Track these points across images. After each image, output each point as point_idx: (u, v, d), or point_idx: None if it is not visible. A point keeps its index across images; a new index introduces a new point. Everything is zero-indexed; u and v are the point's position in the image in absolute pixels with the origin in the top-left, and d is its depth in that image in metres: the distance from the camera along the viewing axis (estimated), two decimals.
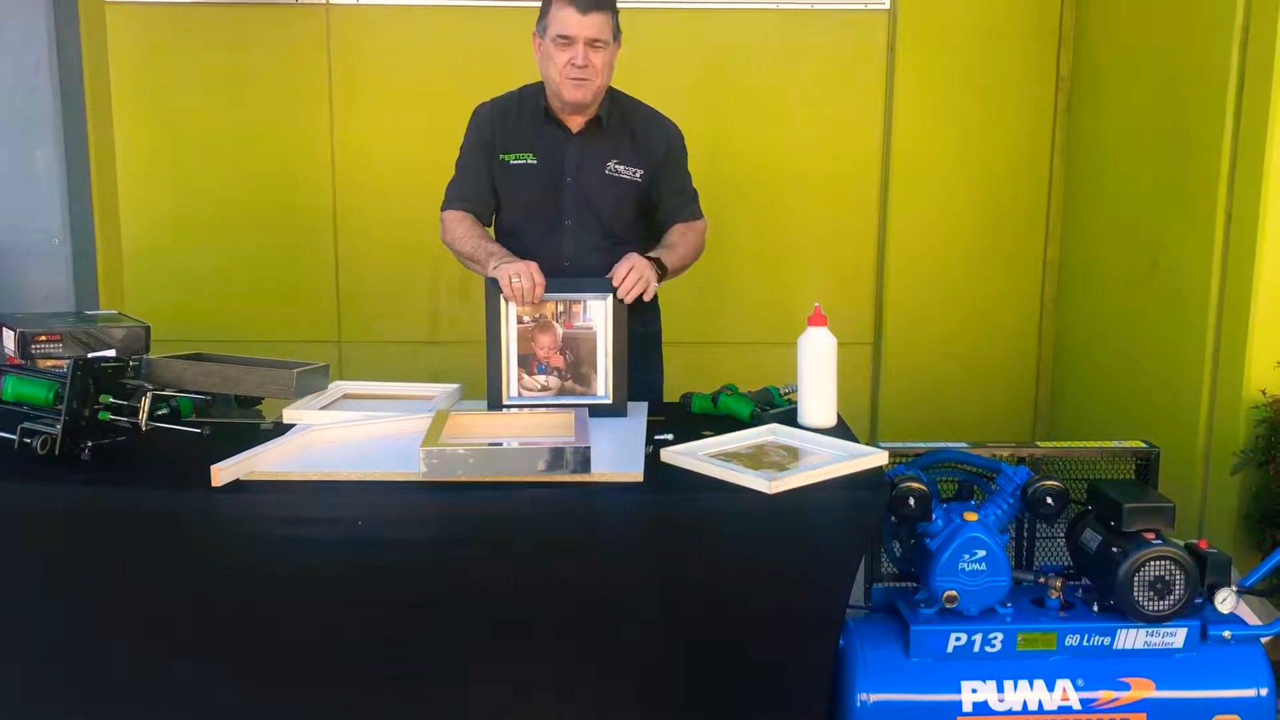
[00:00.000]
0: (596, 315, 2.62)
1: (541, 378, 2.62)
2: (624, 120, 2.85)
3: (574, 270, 2.80)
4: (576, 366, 2.62)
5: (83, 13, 4.18)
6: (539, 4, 2.77)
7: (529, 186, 2.83)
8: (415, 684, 2.16)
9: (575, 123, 2.81)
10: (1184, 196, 3.54)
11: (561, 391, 2.62)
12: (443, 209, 2.90)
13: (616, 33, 2.74)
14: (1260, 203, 3.16)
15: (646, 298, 2.63)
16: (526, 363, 2.61)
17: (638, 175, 2.83)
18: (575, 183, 2.82)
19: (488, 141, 2.85)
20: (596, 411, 2.54)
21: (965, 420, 4.58)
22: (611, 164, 2.82)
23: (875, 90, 4.55)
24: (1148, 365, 3.81)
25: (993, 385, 4.71)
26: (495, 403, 2.60)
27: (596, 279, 2.63)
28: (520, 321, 2.60)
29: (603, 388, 2.62)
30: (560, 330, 2.62)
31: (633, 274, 2.59)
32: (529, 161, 2.82)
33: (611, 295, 2.60)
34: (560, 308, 2.61)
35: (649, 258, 2.69)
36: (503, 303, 2.58)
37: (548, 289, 2.59)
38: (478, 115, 2.89)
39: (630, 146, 2.84)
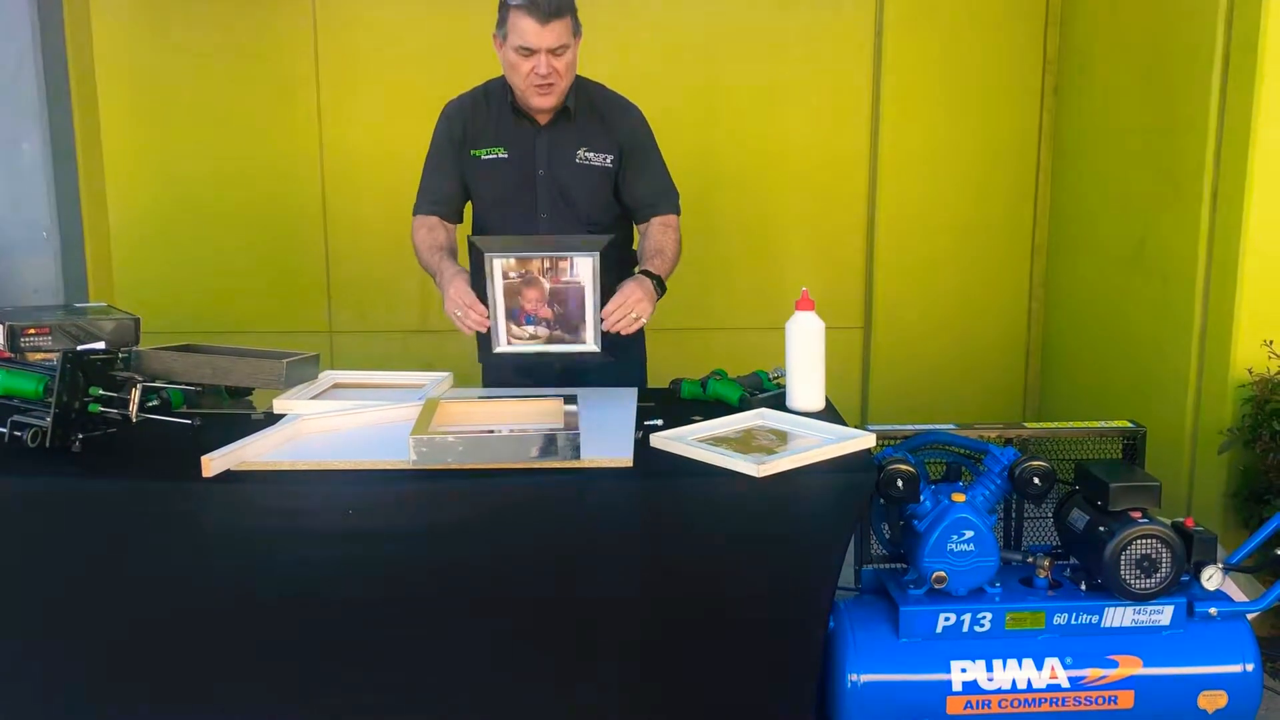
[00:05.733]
0: (583, 270, 2.60)
1: (530, 328, 2.62)
2: (591, 106, 2.82)
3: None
4: (565, 318, 2.61)
5: (67, 4, 4.17)
6: None
7: (501, 180, 2.81)
8: (405, 670, 2.17)
9: (543, 116, 2.78)
10: (1171, 177, 3.55)
11: (550, 340, 2.62)
12: (413, 212, 2.89)
13: (577, 30, 2.68)
14: (1246, 182, 3.17)
15: (633, 329, 2.60)
16: (515, 315, 2.60)
17: (608, 161, 2.81)
18: (547, 174, 2.79)
19: (458, 139, 2.82)
20: (585, 360, 2.57)
21: (956, 402, 4.59)
22: (581, 152, 2.79)
23: (863, 75, 4.55)
24: (1136, 346, 3.83)
25: (982, 367, 4.73)
26: (487, 351, 2.61)
27: (580, 235, 2.63)
28: (506, 277, 2.59)
29: (591, 338, 2.61)
30: (547, 285, 2.61)
31: (621, 309, 2.54)
32: (500, 155, 2.80)
33: (597, 254, 2.57)
34: (546, 264, 2.60)
35: (651, 275, 2.66)
36: (487, 260, 2.57)
37: (533, 245, 2.57)
38: (446, 113, 2.86)
39: (599, 132, 2.81)
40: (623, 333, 2.58)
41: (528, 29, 2.58)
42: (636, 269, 2.76)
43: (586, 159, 2.79)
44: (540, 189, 2.80)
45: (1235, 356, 3.26)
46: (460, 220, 2.92)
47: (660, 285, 2.71)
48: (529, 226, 2.81)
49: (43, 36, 3.83)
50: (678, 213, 2.90)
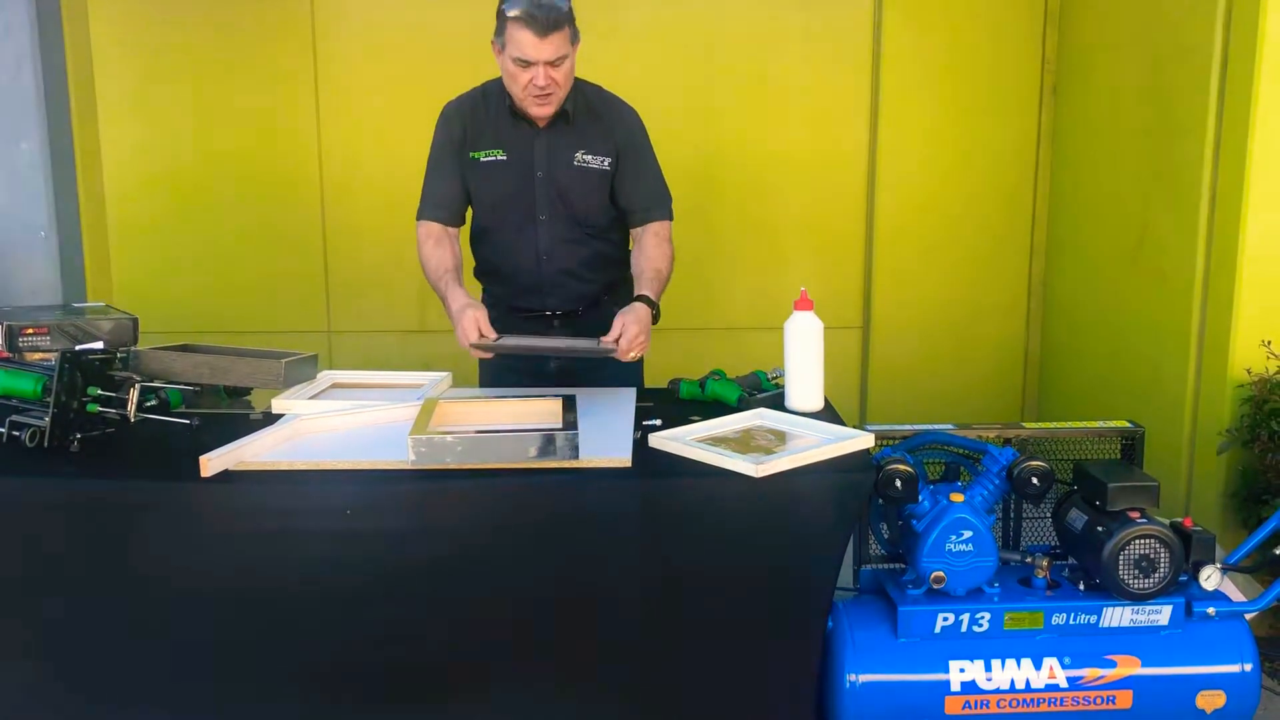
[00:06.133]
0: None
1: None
2: (589, 108, 2.80)
3: (549, 265, 2.82)
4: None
5: (65, 4, 4.16)
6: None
7: (500, 182, 2.80)
8: (405, 672, 2.17)
9: (542, 119, 2.76)
10: (1169, 177, 3.56)
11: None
12: (416, 217, 2.87)
13: (575, 38, 2.64)
14: (1244, 183, 3.17)
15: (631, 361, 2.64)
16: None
17: (605, 164, 2.80)
18: (546, 176, 2.78)
19: (458, 141, 2.80)
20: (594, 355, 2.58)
21: (954, 402, 4.59)
22: (579, 154, 2.78)
23: (862, 73, 4.55)
24: (1134, 346, 3.83)
25: (981, 367, 4.73)
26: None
27: (586, 340, 2.63)
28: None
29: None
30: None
31: (634, 343, 2.56)
32: (499, 157, 2.78)
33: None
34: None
35: (648, 301, 2.68)
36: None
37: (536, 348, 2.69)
38: (445, 116, 2.84)
39: (596, 135, 2.79)
40: (626, 359, 2.60)
41: (525, 41, 2.56)
42: (634, 292, 2.75)
43: (584, 161, 2.79)
44: (539, 191, 2.80)
45: (1233, 356, 3.26)
46: (464, 223, 2.91)
47: (656, 310, 2.72)
48: (527, 229, 2.82)
49: (41, 36, 3.82)
50: (671, 218, 2.90)
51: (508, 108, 2.76)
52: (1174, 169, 3.52)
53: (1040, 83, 4.51)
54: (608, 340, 2.54)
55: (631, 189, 2.84)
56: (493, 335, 2.57)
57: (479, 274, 2.97)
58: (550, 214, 2.81)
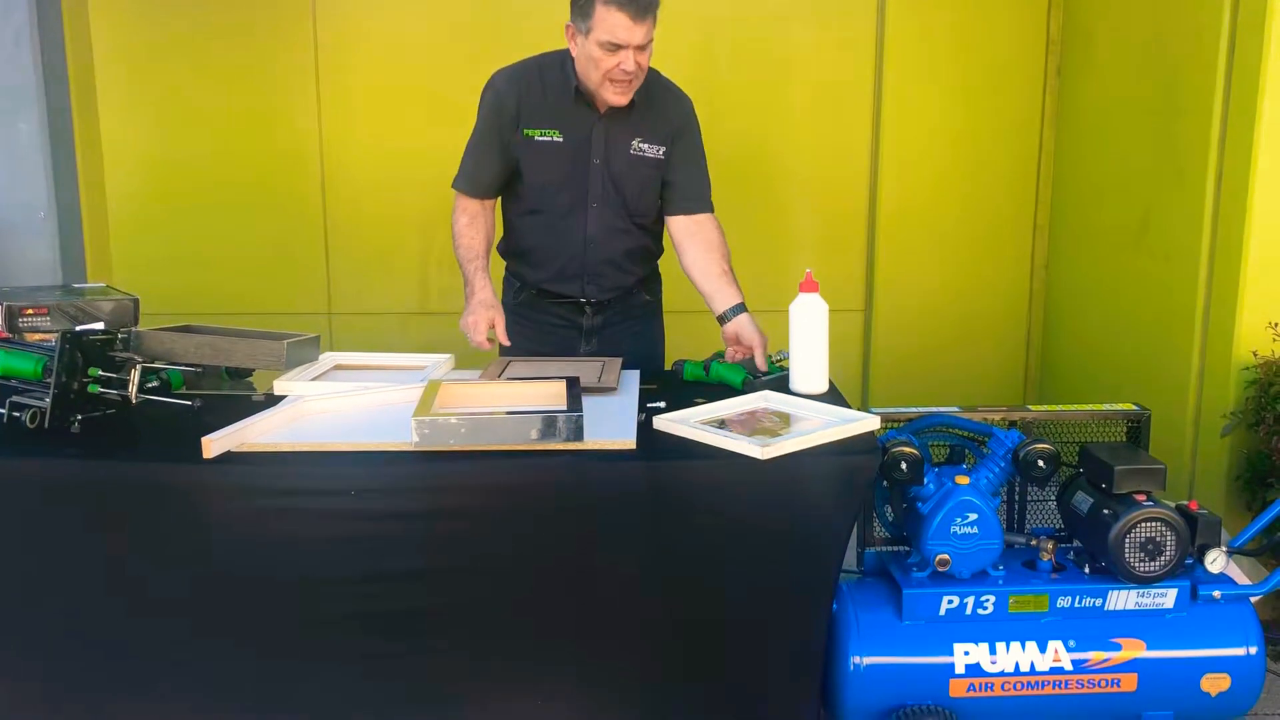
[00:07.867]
0: None
1: None
2: (647, 94, 2.72)
3: (594, 253, 2.79)
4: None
5: None
6: None
7: (555, 165, 2.71)
8: (407, 654, 2.17)
9: (618, 106, 2.68)
10: (1175, 158, 3.54)
11: None
12: (453, 184, 2.80)
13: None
14: (1250, 164, 3.16)
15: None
16: None
17: (660, 152, 2.75)
18: (603, 164, 2.72)
19: (511, 113, 2.69)
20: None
21: (957, 385, 4.58)
22: (636, 142, 2.73)
23: (866, 56, 4.53)
24: (1138, 328, 3.82)
25: (984, 349, 4.72)
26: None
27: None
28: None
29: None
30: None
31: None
32: (555, 139, 2.69)
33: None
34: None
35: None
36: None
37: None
38: (495, 86, 2.72)
39: (654, 122, 2.73)
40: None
41: (619, 24, 2.48)
42: (733, 304, 2.77)
43: (640, 150, 2.73)
44: (594, 178, 2.73)
45: (1239, 338, 3.25)
46: (498, 195, 2.84)
47: None
48: (576, 214, 2.77)
49: (40, 16, 3.79)
50: (712, 207, 2.88)
51: (573, 88, 2.67)
52: (1179, 150, 3.50)
53: (1044, 64, 4.49)
54: (742, 358, 2.65)
55: (682, 176, 2.80)
56: (505, 340, 2.60)
57: (507, 253, 2.92)
58: (602, 201, 2.76)
